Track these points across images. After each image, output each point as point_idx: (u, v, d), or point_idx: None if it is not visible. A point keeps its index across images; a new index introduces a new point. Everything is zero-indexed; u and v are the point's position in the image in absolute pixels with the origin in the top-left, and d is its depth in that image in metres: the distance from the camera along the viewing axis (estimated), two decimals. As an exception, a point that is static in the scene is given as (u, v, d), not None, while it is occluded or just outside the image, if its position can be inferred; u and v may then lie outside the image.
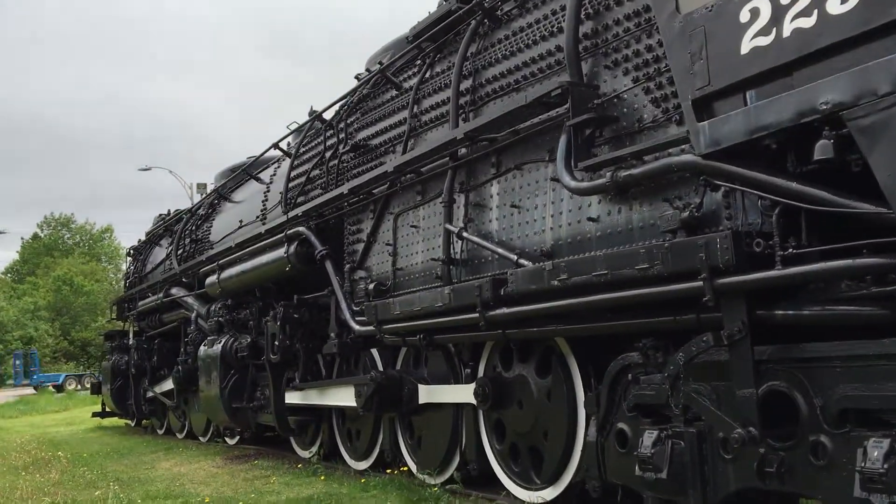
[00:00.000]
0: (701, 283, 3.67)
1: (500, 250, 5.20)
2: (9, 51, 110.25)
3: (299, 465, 8.79)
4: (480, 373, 6.22)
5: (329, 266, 7.50)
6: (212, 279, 10.34)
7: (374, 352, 7.78)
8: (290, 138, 10.08)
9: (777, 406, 3.72)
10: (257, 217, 9.79)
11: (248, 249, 9.32)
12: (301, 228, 7.91)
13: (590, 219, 4.62)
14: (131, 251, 16.49)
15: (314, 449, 9.12)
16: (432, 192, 6.21)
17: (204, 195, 16.31)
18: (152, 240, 15.43)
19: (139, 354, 14.26)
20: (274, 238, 8.55)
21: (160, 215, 16.16)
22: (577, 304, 4.42)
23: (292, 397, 8.77)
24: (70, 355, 52.52)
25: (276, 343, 8.36)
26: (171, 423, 14.38)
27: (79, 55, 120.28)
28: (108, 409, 17.40)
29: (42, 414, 23.92)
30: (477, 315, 5.20)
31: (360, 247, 7.21)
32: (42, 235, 67.44)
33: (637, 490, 4.43)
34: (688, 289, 3.76)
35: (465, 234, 5.56)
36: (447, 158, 5.88)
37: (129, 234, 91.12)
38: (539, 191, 5.05)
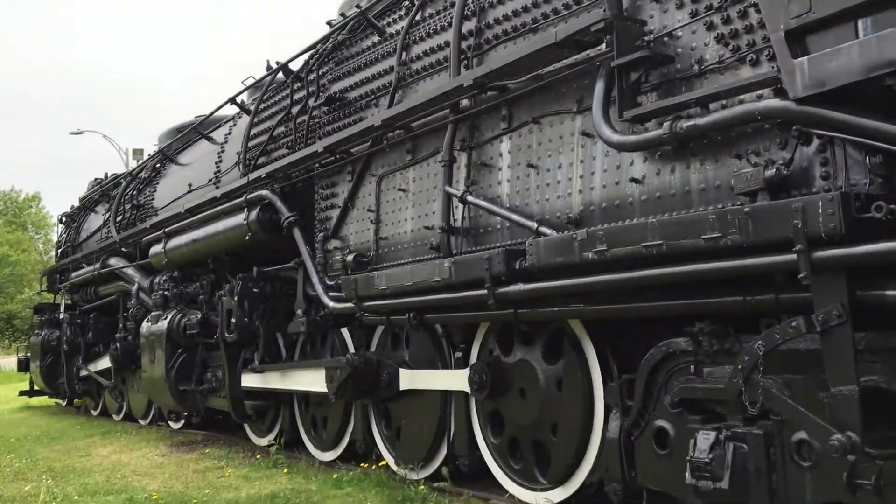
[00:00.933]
0: (794, 256, 2.99)
1: (514, 216, 4.46)
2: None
3: (258, 455, 7.96)
4: (474, 357, 5.50)
5: (298, 234, 6.68)
6: (157, 249, 9.38)
7: (345, 332, 7.00)
8: (245, 95, 9.14)
9: (871, 405, 3.09)
10: (210, 180, 8.86)
11: (199, 216, 8.40)
12: (265, 192, 7.05)
13: (633, 180, 3.90)
14: (63, 218, 15.26)
15: (272, 437, 8.31)
16: (425, 151, 5.43)
17: (141, 161, 15.15)
18: (87, 206, 14.26)
19: (72, 329, 13.16)
20: (231, 203, 7.66)
21: (96, 179, 14.97)
22: (620, 281, 3.71)
23: (249, 380, 7.93)
24: (-6, 328, 50.09)
25: (234, 320, 7.49)
26: (107, 404, 13.34)
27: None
28: (36, 388, 16.21)
29: (-37, 391, 22.42)
30: (485, 292, 4.47)
31: (335, 213, 6.40)
32: (-38, 204, 64.20)
33: (682, 499, 3.78)
34: (776, 263, 3.08)
35: (469, 199, 4.81)
36: (446, 111, 5.10)
37: (59, 204, 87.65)
38: (563, 147, 4.31)
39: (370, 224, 5.90)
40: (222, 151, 8.84)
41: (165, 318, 9.13)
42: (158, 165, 11.14)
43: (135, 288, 10.67)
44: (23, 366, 16.61)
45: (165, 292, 9.37)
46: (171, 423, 10.82)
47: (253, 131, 7.92)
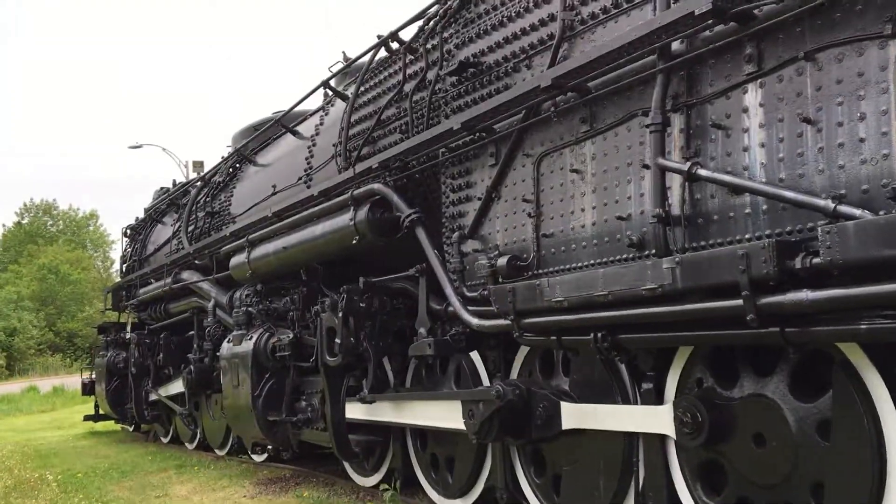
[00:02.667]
0: None
1: (789, 194, 3.12)
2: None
3: (368, 500, 6.74)
4: (671, 390, 4.18)
5: (422, 235, 5.43)
6: (238, 259, 8.22)
7: (475, 356, 5.74)
8: (334, 82, 7.94)
9: None
10: (300, 179, 7.67)
11: (290, 220, 7.22)
12: (377, 186, 5.81)
13: None
14: (128, 231, 14.30)
15: (379, 477, 7.07)
16: (609, 117, 4.13)
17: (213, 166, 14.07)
18: (153, 217, 13.26)
19: (140, 351, 12.13)
20: (331, 202, 6.45)
21: (162, 188, 13.99)
22: None
23: (355, 411, 6.70)
24: (56, 347, 50.07)
25: (338, 341, 6.26)
26: (179, 432, 12.28)
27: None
28: (101, 412, 15.27)
29: (26, 415, 21.73)
30: (739, 303, 3.15)
31: (472, 208, 5.12)
32: (23, 223, 64.70)
33: None
34: None
35: (701, 173, 3.48)
36: (650, 59, 3.80)
37: (116, 223, 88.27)
38: (868, 89, 2.97)
39: (526, 218, 4.61)
40: (313, 146, 7.65)
41: (250, 338, 7.97)
42: (234, 168, 10.02)
43: (211, 304, 9.56)
44: (87, 389, 15.71)
45: (249, 308, 8.21)
46: (253, 455, 9.65)
47: (354, 117, 6.71)
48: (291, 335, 7.50)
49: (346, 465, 7.67)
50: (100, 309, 15.58)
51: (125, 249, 14.37)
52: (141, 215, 14.33)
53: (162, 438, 13.22)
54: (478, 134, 4.96)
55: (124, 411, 13.64)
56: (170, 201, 12.43)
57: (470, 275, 5.06)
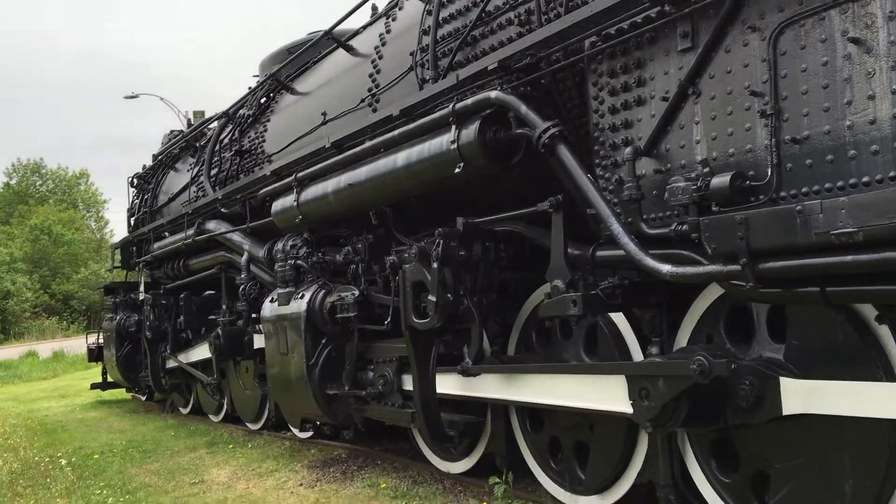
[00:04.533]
0: None
1: None
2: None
3: (460, 489, 5.47)
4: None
5: (568, 155, 4.04)
6: (283, 203, 6.84)
7: (618, 316, 4.43)
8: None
9: None
10: (362, 101, 6.25)
11: (356, 150, 5.82)
12: (495, 94, 4.40)
13: None
14: (134, 180, 12.83)
15: (470, 463, 5.79)
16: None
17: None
18: (165, 163, 11.79)
19: (156, 313, 10.76)
20: (418, 123, 5.04)
21: (172, 132, 12.52)
22: None
23: (448, 384, 5.39)
24: (51, 310, 48.67)
25: (432, 298, 4.92)
26: (202, 402, 10.99)
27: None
28: (110, 380, 13.98)
29: (26, 382, 20.41)
30: None
31: (645, 113, 3.75)
32: (11, 183, 62.81)
33: None
34: None
35: None
36: None
37: (106, 182, 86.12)
38: None
39: (754, 118, 3.24)
40: (378, 59, 6.22)
41: (301, 297, 6.62)
42: (266, 99, 8.57)
43: (244, 258, 8.19)
44: (94, 355, 14.37)
45: (299, 261, 6.83)
46: (295, 431, 8.36)
47: (443, 14, 5.28)
48: (356, 292, 6.14)
49: (424, 446, 6.38)
50: (105, 268, 14.12)
51: (132, 201, 12.92)
52: (148, 163, 12.88)
53: (181, 409, 11.94)
54: (663, 7, 3.55)
55: (137, 379, 12.34)
56: (185, 144, 10.96)
57: (650, 205, 3.69)
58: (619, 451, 4.52)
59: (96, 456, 8.60)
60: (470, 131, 4.57)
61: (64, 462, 8.14)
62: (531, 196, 4.80)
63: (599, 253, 4.17)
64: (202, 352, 10.13)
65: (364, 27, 7.00)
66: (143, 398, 13.64)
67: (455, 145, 4.66)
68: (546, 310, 4.29)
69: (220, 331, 9.01)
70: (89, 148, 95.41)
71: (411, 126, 5.13)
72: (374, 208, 5.91)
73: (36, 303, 47.45)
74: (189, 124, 13.82)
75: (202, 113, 20.89)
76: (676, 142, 3.58)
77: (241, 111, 8.94)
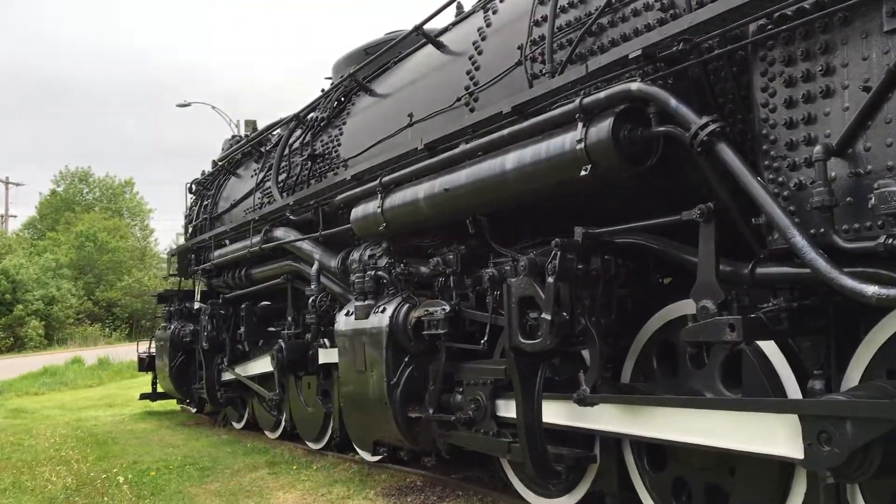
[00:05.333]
0: None
1: None
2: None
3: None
4: None
5: (732, 155, 3.49)
6: (365, 209, 6.37)
7: (767, 344, 3.86)
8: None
9: None
10: (458, 100, 5.76)
11: (454, 152, 5.33)
12: (637, 86, 3.87)
13: None
14: (193, 186, 12.50)
15: (573, 500, 5.22)
16: None
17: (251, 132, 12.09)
18: (226, 168, 11.43)
19: (214, 323, 10.35)
20: (532, 122, 4.52)
21: (234, 136, 12.19)
22: None
23: (551, 412, 4.85)
24: (94, 317, 48.93)
25: (546, 317, 4.38)
26: (258, 417, 10.54)
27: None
28: (160, 391, 13.62)
29: (72, 389, 20.19)
30: None
31: (835, 106, 3.20)
32: (59, 190, 63.52)
33: None
34: None
35: None
36: None
37: (151, 192, 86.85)
38: None
39: None
40: (476, 54, 5.72)
41: (382, 311, 6.14)
42: (339, 102, 8.13)
43: (315, 268, 7.73)
44: (145, 364, 14.01)
45: (380, 272, 6.34)
46: (361, 452, 7.86)
47: (562, 2, 4.78)
48: (447, 307, 5.63)
49: (514, 478, 5.84)
50: (161, 276, 13.78)
51: (190, 207, 12.59)
52: (197, 173, 12.53)
53: (234, 424, 11.51)
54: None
55: (190, 391, 11.95)
56: (251, 147, 10.56)
57: (845, 214, 3.12)
58: (767, 497, 3.93)
59: (152, 473, 8.17)
60: (601, 129, 4.04)
61: (121, 479, 7.70)
62: (654, 205, 4.29)
63: (761, 270, 3.62)
64: (262, 365, 9.71)
65: (456, 22, 6.53)
66: (194, 410, 13.26)
67: (582, 145, 4.13)
68: (691, 334, 3.74)
69: (282, 343, 8.57)
70: (136, 157, 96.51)
71: (525, 124, 4.62)
72: (471, 216, 5.40)
73: (80, 309, 47.71)
74: (253, 130, 13.44)
75: (254, 122, 20.56)
76: (880, 139, 3.01)
77: (313, 114, 8.51)
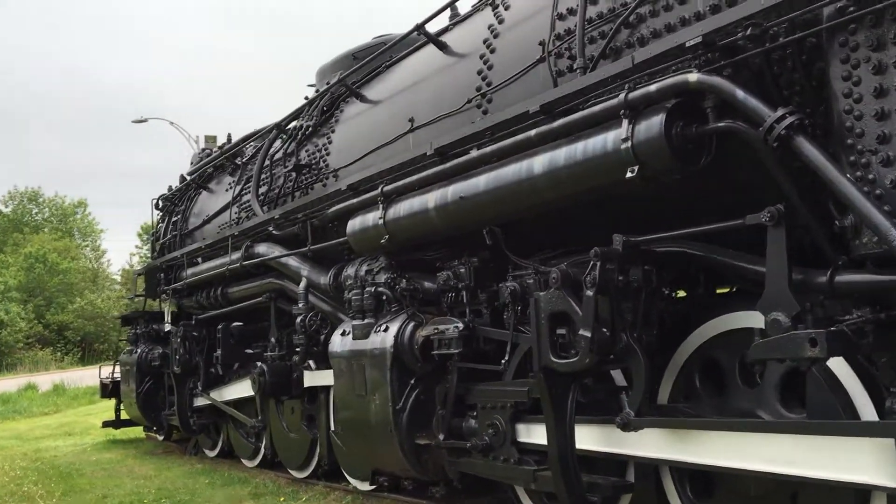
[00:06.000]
0: None
1: None
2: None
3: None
4: None
5: (813, 151, 3.15)
6: (364, 220, 5.95)
7: (835, 360, 3.52)
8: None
9: None
10: (469, 101, 5.38)
11: (471, 156, 4.94)
12: (696, 76, 3.52)
13: None
14: (160, 202, 11.91)
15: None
16: None
17: (215, 150, 11.61)
18: (196, 183, 10.88)
19: (186, 346, 9.77)
20: (576, 116, 4.15)
21: (204, 150, 11.66)
22: None
23: (592, 438, 4.46)
24: (45, 340, 47.34)
25: (586, 334, 4.00)
26: (234, 444, 9.96)
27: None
28: (124, 418, 12.92)
29: (27, 418, 19.24)
30: None
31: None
32: (6, 210, 61.68)
33: None
34: None
35: None
36: None
37: (104, 212, 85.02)
38: None
39: None
40: (489, 53, 5.35)
41: (385, 329, 5.71)
42: (326, 109, 7.69)
43: (302, 285, 7.25)
44: (108, 390, 13.30)
45: (380, 288, 5.91)
46: (355, 482, 7.38)
47: (594, -11, 4.43)
48: (460, 325, 5.21)
49: (531, 507, 5.42)
50: (127, 296, 13.11)
51: (157, 224, 11.98)
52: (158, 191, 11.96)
53: (207, 452, 10.90)
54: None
55: (158, 417, 11.31)
56: (224, 161, 10.04)
57: (957, 212, 2.79)
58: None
59: (125, 508, 7.58)
60: (651, 125, 3.68)
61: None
62: (698, 209, 3.96)
63: (841, 278, 3.27)
64: (239, 389, 9.17)
65: (459, 21, 6.16)
66: (161, 438, 12.58)
67: (628, 144, 3.77)
68: (763, 351, 3.37)
69: (264, 367, 8.06)
70: (87, 176, 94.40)
71: (556, 124, 4.25)
72: (488, 225, 5.00)
73: (29, 333, 46.13)
74: (215, 145, 12.89)
75: (214, 138, 19.92)
76: None
77: (296, 123, 8.05)
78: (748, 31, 3.33)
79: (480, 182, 4.79)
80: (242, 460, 9.81)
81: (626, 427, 4.10)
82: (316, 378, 7.67)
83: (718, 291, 5.04)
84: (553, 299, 4.29)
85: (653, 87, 3.68)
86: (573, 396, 4.45)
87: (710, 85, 3.46)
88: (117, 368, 12.81)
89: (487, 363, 5.30)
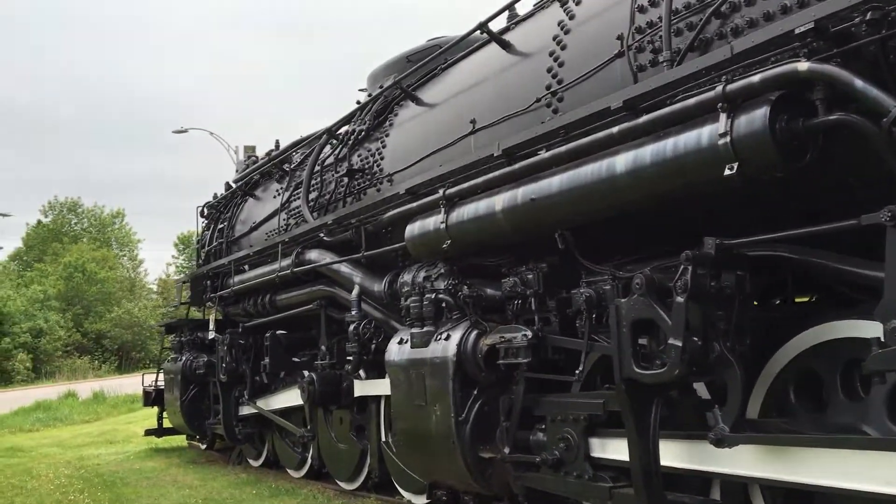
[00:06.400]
0: None
1: None
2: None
3: None
4: None
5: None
6: (425, 225, 5.74)
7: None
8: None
9: None
10: (538, 100, 5.16)
11: (546, 155, 4.70)
12: (807, 65, 3.26)
13: None
14: (205, 210, 11.83)
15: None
16: None
17: (256, 160, 11.47)
18: (242, 190, 10.77)
19: (233, 354, 9.63)
20: (666, 111, 3.90)
21: (250, 157, 11.55)
22: None
23: (673, 454, 4.19)
24: (83, 349, 47.83)
25: (676, 343, 3.75)
26: (279, 455, 9.79)
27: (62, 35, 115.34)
28: (167, 426, 12.85)
29: (68, 425, 19.29)
30: None
31: None
32: (46, 221, 62.52)
33: None
34: None
35: None
36: None
37: (141, 222, 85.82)
38: None
39: None
40: (560, 50, 5.13)
41: (447, 338, 5.49)
42: (378, 113, 7.51)
43: (355, 293, 7.07)
44: (150, 399, 13.23)
45: (441, 295, 5.70)
46: (406, 494, 7.18)
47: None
48: (528, 333, 4.97)
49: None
50: (172, 305, 13.05)
51: (202, 232, 11.90)
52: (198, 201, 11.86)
53: (251, 461, 10.75)
54: None
55: (202, 426, 11.20)
56: (271, 168, 9.89)
57: None
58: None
59: (174, 520, 7.42)
60: (754, 119, 3.42)
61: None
62: (790, 210, 3.70)
63: None
64: (286, 398, 9.02)
65: (522, 19, 5.94)
66: (203, 447, 12.48)
67: (727, 139, 3.51)
68: (881, 362, 3.10)
69: (314, 375, 7.90)
70: (125, 186, 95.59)
71: (641, 120, 4.01)
72: (560, 228, 4.76)
73: (68, 341, 46.65)
74: (253, 156, 12.79)
75: (253, 147, 19.90)
76: None
77: (348, 128, 7.88)
78: (868, 16, 3.06)
79: (554, 182, 4.55)
80: (288, 471, 9.65)
81: (719, 443, 3.83)
82: (367, 387, 7.49)
83: (797, 300, 4.79)
84: (636, 306, 4.04)
85: (756, 78, 3.42)
86: (657, 410, 4.20)
87: (823, 74, 3.20)
88: (160, 376, 12.72)
89: (554, 373, 5.06)
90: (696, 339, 3.79)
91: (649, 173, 3.95)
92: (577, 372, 4.71)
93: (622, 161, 4.09)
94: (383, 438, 7.49)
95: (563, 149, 4.51)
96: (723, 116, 3.55)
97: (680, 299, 3.77)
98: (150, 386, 13.27)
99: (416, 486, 6.97)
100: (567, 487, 4.84)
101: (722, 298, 3.86)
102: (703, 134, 3.65)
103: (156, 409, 13.24)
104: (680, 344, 3.76)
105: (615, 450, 4.62)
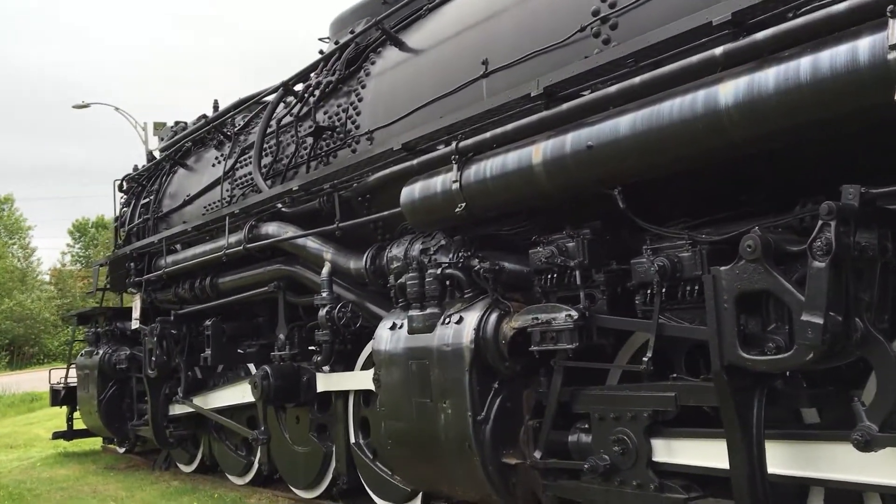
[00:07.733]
0: None
1: None
2: None
3: None
4: None
5: None
6: (427, 187, 4.76)
7: None
8: None
9: None
10: (583, 30, 4.25)
11: (614, 88, 3.79)
12: None
13: None
14: (124, 183, 10.46)
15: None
16: None
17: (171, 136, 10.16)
18: (172, 159, 9.48)
19: (163, 346, 8.40)
20: (801, 21, 3.04)
21: (177, 123, 10.24)
22: None
23: (779, 458, 3.39)
24: (-29, 343, 44.53)
25: (817, 320, 2.92)
26: (219, 459, 8.64)
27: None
28: (79, 428, 11.45)
29: (-41, 427, 17.38)
30: None
31: None
32: (-76, 208, 58.09)
33: None
34: None
35: None
36: None
37: (32, 208, 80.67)
38: None
39: None
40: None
41: (459, 321, 4.56)
42: (353, 60, 6.47)
43: (326, 271, 6.04)
44: (59, 398, 11.76)
45: (449, 270, 4.75)
46: (383, 503, 6.21)
47: None
48: (574, 314, 4.07)
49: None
50: (91, 290, 11.64)
51: (121, 209, 10.54)
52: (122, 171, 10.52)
53: (182, 467, 9.53)
54: None
55: (123, 428, 9.91)
56: (212, 130, 8.66)
57: None
58: None
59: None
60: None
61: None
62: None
63: None
64: (232, 395, 7.88)
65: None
66: (122, 451, 11.14)
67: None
68: None
69: (268, 369, 6.82)
70: (12, 170, 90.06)
71: (759, 36, 3.14)
72: (621, 183, 3.86)
73: (-48, 335, 43.33)
74: (146, 139, 11.44)
75: (163, 124, 18.22)
76: None
77: (313, 80, 6.80)
78: None
79: (622, 124, 3.65)
80: (229, 477, 8.50)
81: (866, 446, 3.01)
82: (333, 382, 6.49)
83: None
84: (745, 275, 3.19)
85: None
86: (761, 404, 3.37)
87: None
88: (71, 372, 11.30)
89: (589, 360, 4.21)
90: (838, 317, 2.97)
91: (771, 105, 3.09)
92: (644, 359, 3.82)
93: (729, 91, 3.22)
94: (353, 440, 6.51)
95: (636, 80, 3.61)
96: (892, 22, 2.72)
97: (820, 264, 2.94)
98: (58, 383, 11.80)
99: (397, 494, 6.02)
100: (624, 500, 3.98)
101: (864, 262, 3.05)
102: (858, 48, 2.82)
103: (65, 408, 11.78)
104: (821, 321, 2.92)
105: (686, 453, 3.81)
